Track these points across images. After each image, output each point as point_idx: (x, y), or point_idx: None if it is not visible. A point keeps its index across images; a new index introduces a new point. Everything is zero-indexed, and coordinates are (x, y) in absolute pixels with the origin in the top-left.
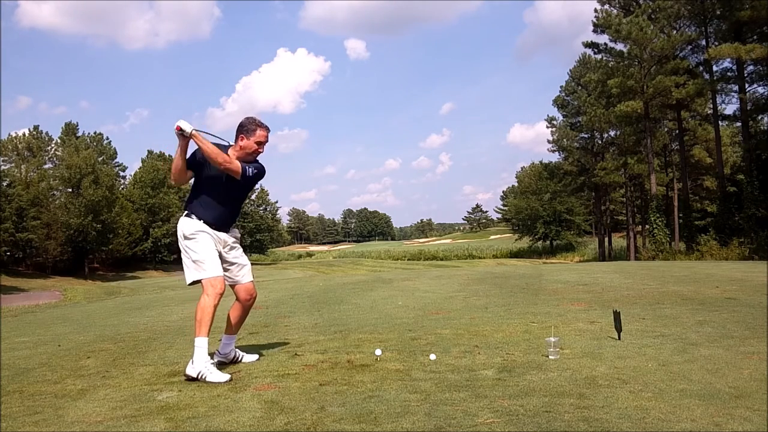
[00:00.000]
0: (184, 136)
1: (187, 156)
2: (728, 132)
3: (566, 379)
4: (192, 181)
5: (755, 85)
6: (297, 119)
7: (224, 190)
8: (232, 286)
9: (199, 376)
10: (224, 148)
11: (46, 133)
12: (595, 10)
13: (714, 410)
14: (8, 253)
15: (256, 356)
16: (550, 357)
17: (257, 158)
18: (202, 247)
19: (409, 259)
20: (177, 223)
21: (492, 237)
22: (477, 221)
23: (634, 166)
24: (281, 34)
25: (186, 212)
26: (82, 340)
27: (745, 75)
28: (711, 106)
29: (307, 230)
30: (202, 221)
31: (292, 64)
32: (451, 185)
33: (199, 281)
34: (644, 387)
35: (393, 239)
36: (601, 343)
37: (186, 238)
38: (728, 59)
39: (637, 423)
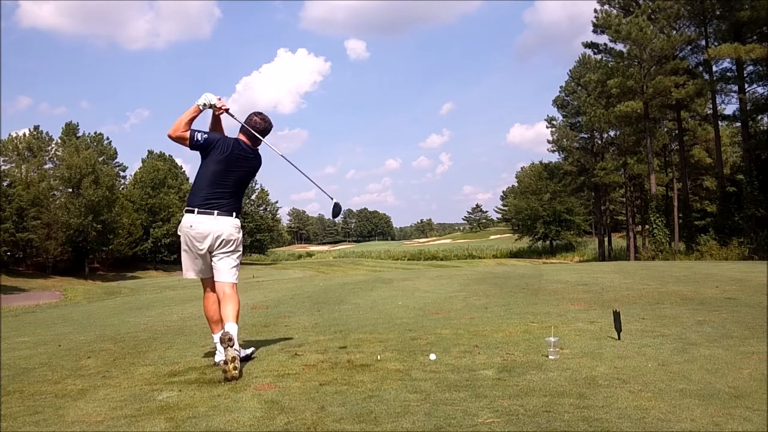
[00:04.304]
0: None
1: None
2: (728, 132)
3: (566, 379)
4: (236, 185)
5: (755, 85)
6: (297, 119)
7: None
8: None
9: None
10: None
11: (47, 133)
12: (595, 11)
13: (714, 410)
14: (8, 253)
15: (252, 349)
16: (550, 357)
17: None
18: None
19: (409, 259)
20: (235, 224)
21: (492, 237)
22: (477, 221)
23: (633, 166)
24: (281, 34)
25: (235, 215)
26: (83, 340)
27: (745, 75)
28: (711, 106)
29: (307, 230)
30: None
31: (293, 64)
32: (451, 185)
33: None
34: (644, 387)
35: (393, 239)
36: (601, 343)
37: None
38: (728, 59)
39: (637, 423)
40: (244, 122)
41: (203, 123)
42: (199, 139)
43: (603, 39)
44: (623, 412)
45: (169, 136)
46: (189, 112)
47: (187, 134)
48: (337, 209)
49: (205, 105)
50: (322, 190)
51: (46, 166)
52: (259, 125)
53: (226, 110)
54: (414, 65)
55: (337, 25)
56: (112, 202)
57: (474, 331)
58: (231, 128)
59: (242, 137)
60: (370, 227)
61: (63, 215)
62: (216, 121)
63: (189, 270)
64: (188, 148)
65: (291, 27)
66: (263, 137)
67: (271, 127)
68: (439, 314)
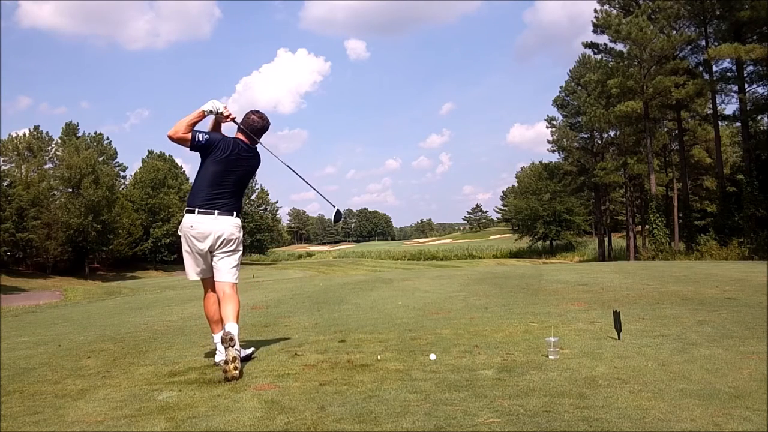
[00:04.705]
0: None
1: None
2: (728, 132)
3: (566, 379)
4: (237, 185)
5: (755, 85)
6: (297, 119)
7: None
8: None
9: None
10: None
11: (47, 133)
12: (595, 11)
13: (714, 410)
14: (8, 253)
15: (252, 349)
16: (550, 357)
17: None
18: None
19: (409, 259)
20: (236, 223)
21: (492, 237)
22: (477, 221)
23: (634, 166)
24: (281, 34)
25: (236, 214)
26: (83, 340)
27: (745, 75)
28: (711, 106)
29: (307, 230)
30: None
31: (293, 64)
32: (451, 185)
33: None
34: (644, 387)
35: (393, 239)
36: (601, 343)
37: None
38: (728, 59)
39: (637, 423)
40: (242, 121)
41: (202, 124)
42: (201, 139)
43: (603, 39)
44: (623, 412)
45: (170, 137)
46: (192, 115)
47: (189, 135)
48: (338, 216)
49: (211, 111)
50: (324, 198)
51: (46, 166)
52: (257, 123)
53: (233, 119)
54: (414, 65)
55: (337, 25)
56: (112, 202)
57: (474, 331)
58: (229, 127)
59: (240, 136)
60: (370, 227)
61: (63, 215)
62: (216, 124)
63: (192, 271)
64: (188, 149)
65: (291, 27)
66: (261, 135)
67: (269, 124)
68: (439, 314)
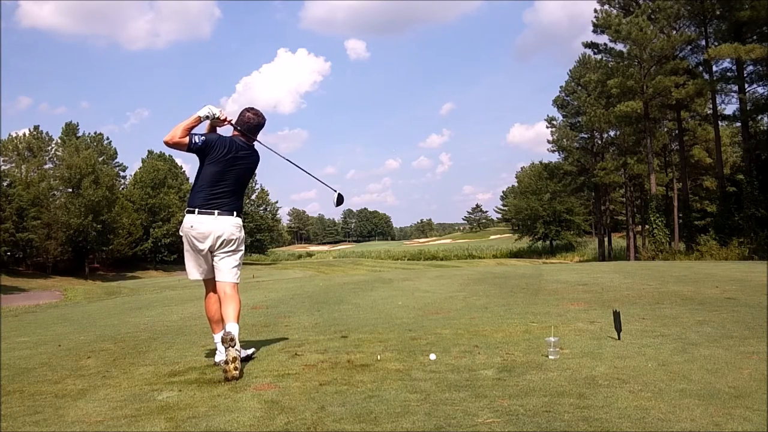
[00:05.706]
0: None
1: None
2: (728, 132)
3: (566, 379)
4: (236, 184)
5: (755, 85)
6: (297, 119)
7: None
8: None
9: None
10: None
11: (47, 133)
12: (595, 11)
13: (714, 410)
14: (8, 253)
15: (252, 349)
16: (550, 357)
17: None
18: None
19: (409, 259)
20: (237, 223)
21: (492, 237)
22: (477, 221)
23: (634, 166)
24: (281, 34)
25: (236, 214)
26: (83, 340)
27: (745, 75)
28: (711, 106)
29: (307, 230)
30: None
31: (293, 64)
32: (451, 185)
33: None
34: (644, 387)
35: (393, 239)
36: (600, 343)
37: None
38: (728, 59)
39: (637, 423)
40: (237, 120)
41: (199, 127)
42: (197, 141)
43: (603, 39)
44: (623, 412)
45: (166, 143)
46: (188, 121)
47: (186, 140)
48: (340, 199)
49: (207, 117)
50: (324, 183)
51: (46, 166)
52: (252, 121)
53: (230, 122)
54: (414, 65)
55: (337, 25)
56: (112, 202)
57: (474, 331)
58: (226, 128)
59: (237, 134)
60: (370, 227)
61: (63, 215)
62: (212, 128)
63: (193, 271)
64: (185, 152)
65: (291, 27)
66: (258, 132)
67: (264, 121)
68: (439, 314)
